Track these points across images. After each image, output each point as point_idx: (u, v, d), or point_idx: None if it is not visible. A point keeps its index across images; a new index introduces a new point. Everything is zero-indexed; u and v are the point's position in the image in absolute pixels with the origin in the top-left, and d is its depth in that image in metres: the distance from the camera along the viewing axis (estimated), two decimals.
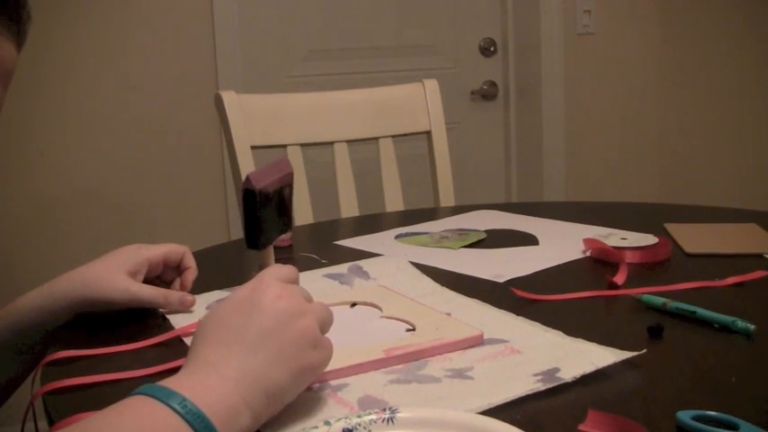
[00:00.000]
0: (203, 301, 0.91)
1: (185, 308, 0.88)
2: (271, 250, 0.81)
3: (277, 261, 1.11)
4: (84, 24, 2.26)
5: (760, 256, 1.02)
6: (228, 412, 0.55)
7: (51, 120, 2.25)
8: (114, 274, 0.86)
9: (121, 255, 0.89)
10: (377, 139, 1.63)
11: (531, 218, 1.31)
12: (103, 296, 0.85)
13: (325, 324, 0.64)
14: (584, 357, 0.69)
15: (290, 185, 0.83)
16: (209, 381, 0.56)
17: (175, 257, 0.93)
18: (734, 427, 0.57)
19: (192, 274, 0.93)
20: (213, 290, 0.94)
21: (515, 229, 1.25)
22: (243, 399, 0.56)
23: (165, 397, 0.53)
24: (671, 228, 1.18)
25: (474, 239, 1.18)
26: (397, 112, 1.66)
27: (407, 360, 0.71)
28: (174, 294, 0.89)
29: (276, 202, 0.80)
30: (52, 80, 2.24)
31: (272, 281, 0.63)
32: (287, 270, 0.66)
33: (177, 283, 0.94)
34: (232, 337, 0.59)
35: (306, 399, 0.64)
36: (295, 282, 0.67)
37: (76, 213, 2.29)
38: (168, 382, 0.55)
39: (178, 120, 2.38)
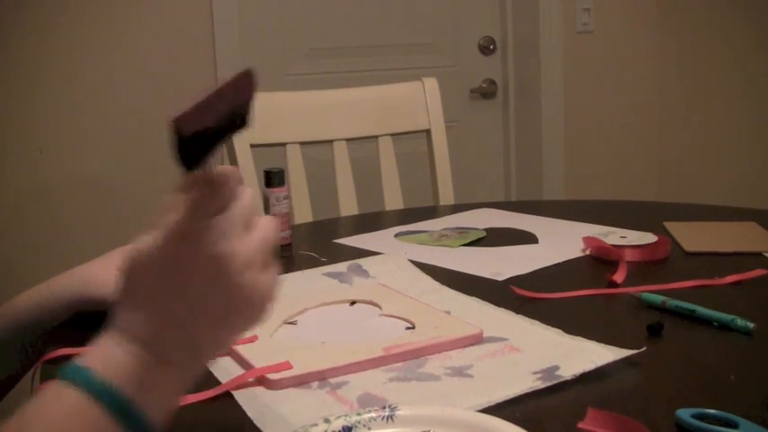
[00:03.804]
0: None
1: None
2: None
3: (277, 259, 1.11)
4: (85, 23, 2.25)
5: (759, 254, 1.02)
6: (141, 375, 0.51)
7: (51, 118, 2.25)
8: (113, 274, 0.86)
9: (120, 254, 0.89)
10: (376, 137, 1.63)
11: (531, 216, 1.31)
12: (102, 295, 0.85)
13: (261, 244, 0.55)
14: (583, 355, 0.69)
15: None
16: (113, 349, 0.53)
17: None
18: (733, 425, 0.57)
19: None
20: None
21: (515, 227, 1.25)
22: (156, 357, 0.52)
23: (70, 375, 0.51)
24: (670, 226, 1.18)
25: (473, 238, 1.18)
26: (397, 110, 1.66)
27: (407, 358, 0.71)
28: None
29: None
30: (51, 78, 2.24)
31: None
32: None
33: None
34: (144, 295, 0.54)
35: (305, 396, 0.64)
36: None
37: (75, 212, 2.29)
38: (80, 359, 0.53)
39: None
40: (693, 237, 1.12)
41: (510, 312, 0.83)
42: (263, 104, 1.56)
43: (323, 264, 1.05)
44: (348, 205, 1.59)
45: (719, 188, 2.75)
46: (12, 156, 2.23)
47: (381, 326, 0.81)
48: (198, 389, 0.66)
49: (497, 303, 0.85)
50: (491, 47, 2.80)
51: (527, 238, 1.18)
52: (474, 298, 0.88)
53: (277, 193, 1.19)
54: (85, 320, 0.87)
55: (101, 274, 0.86)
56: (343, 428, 0.56)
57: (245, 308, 0.54)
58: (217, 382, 0.68)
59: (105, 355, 0.53)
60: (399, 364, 0.70)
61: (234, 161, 1.51)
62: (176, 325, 0.53)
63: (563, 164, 2.83)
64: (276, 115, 1.56)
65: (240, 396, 0.65)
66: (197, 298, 0.53)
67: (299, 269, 1.01)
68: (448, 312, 0.83)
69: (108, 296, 0.85)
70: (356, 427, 0.56)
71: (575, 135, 2.84)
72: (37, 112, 2.24)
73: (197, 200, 0.55)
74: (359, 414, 0.57)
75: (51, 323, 0.86)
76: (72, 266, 0.88)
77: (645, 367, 0.68)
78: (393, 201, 1.63)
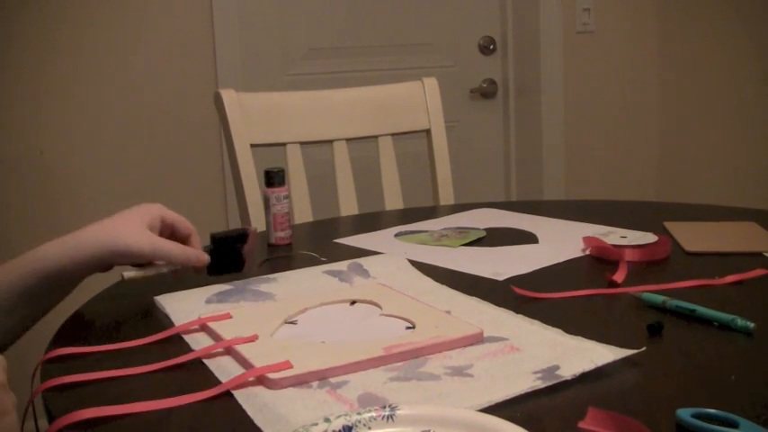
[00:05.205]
0: (202, 295, 0.91)
1: (201, 265, 0.93)
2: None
3: (277, 259, 1.11)
4: (85, 24, 2.25)
5: (759, 254, 1.02)
6: None
7: (51, 118, 2.25)
8: (137, 227, 0.89)
9: (140, 210, 0.92)
10: (376, 137, 1.63)
11: (531, 216, 1.31)
12: (129, 247, 0.88)
13: None
14: (583, 355, 0.69)
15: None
16: None
17: (184, 231, 0.96)
18: (733, 424, 0.57)
19: (196, 244, 0.96)
20: (212, 285, 0.95)
21: (515, 227, 1.25)
22: None
23: None
24: (670, 226, 1.18)
25: (474, 238, 1.18)
26: (397, 110, 1.66)
27: (407, 358, 0.71)
28: (191, 251, 0.92)
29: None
30: (52, 79, 2.24)
31: None
32: None
33: None
34: None
35: (305, 396, 0.64)
36: None
37: (76, 212, 2.29)
38: None
39: (178, 118, 2.38)
40: (694, 237, 1.12)
41: (510, 312, 0.83)
42: (264, 104, 1.56)
43: (323, 263, 1.05)
44: (348, 205, 1.59)
45: (719, 188, 2.75)
46: (13, 156, 2.23)
47: (381, 325, 0.81)
48: (198, 389, 0.66)
49: (497, 303, 0.85)
50: (491, 47, 2.80)
51: (527, 238, 1.18)
52: (474, 298, 0.88)
53: (277, 193, 1.19)
54: (87, 319, 0.87)
55: (124, 229, 0.89)
56: (344, 428, 0.56)
57: None
58: (217, 382, 0.68)
59: None
60: (399, 364, 0.70)
61: (234, 161, 1.51)
62: None
63: (563, 164, 2.83)
64: (276, 115, 1.56)
65: (240, 396, 0.65)
66: None
67: (299, 268, 1.01)
68: (448, 312, 0.83)
69: (134, 248, 0.88)
70: (356, 426, 0.56)
71: (575, 135, 2.84)
72: (38, 113, 2.24)
73: None
74: (359, 414, 0.57)
75: (74, 275, 0.88)
76: None
77: (645, 367, 0.68)
78: (393, 201, 1.63)
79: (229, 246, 0.99)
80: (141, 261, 0.91)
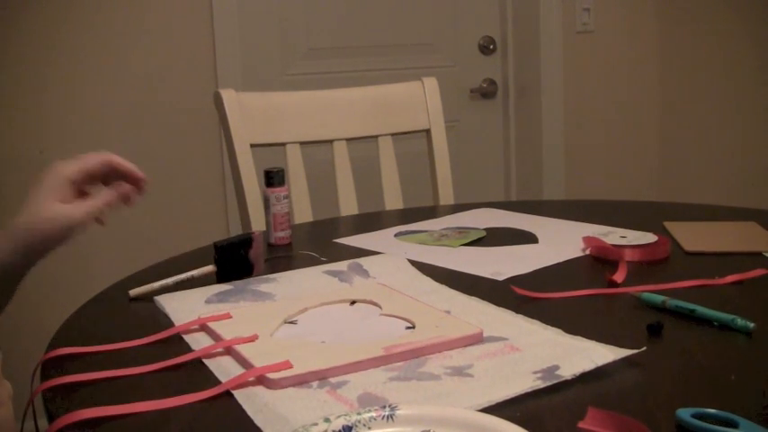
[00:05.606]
0: (202, 295, 0.91)
1: (110, 206, 0.90)
2: None
3: (277, 259, 1.11)
4: (85, 24, 2.25)
5: (759, 254, 1.02)
6: None
7: (51, 117, 2.25)
8: (47, 209, 0.87)
9: (45, 186, 0.88)
10: (376, 137, 1.63)
11: (531, 216, 1.31)
12: (47, 236, 0.87)
13: None
14: (583, 355, 0.69)
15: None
16: None
17: (102, 168, 0.91)
18: (733, 424, 0.57)
19: (120, 162, 0.92)
20: (212, 285, 0.95)
21: (515, 227, 1.25)
22: None
23: None
24: (670, 226, 1.18)
25: (474, 237, 1.18)
26: (397, 110, 1.66)
27: (407, 358, 0.71)
28: (95, 204, 0.89)
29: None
30: (52, 78, 2.24)
31: None
32: None
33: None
34: None
35: (305, 396, 0.64)
36: None
37: None
38: None
39: (177, 118, 2.38)
40: (693, 237, 1.12)
41: (510, 312, 0.83)
42: (263, 104, 1.56)
43: (323, 263, 1.05)
44: (348, 205, 1.59)
45: (719, 188, 2.75)
46: (12, 156, 2.23)
47: (381, 325, 0.81)
48: (198, 389, 0.66)
49: (497, 303, 0.86)
50: (491, 47, 2.80)
51: (527, 238, 1.18)
52: (474, 298, 0.88)
53: (277, 192, 1.19)
54: (86, 319, 0.87)
55: (38, 217, 0.87)
56: (344, 428, 0.56)
57: None
58: (217, 382, 0.68)
59: None
60: (399, 364, 0.70)
61: (234, 161, 1.51)
62: None
63: (563, 164, 2.83)
64: (276, 115, 1.56)
65: (240, 396, 0.65)
66: None
67: (299, 268, 1.01)
68: (448, 312, 0.83)
69: (72, 226, 0.87)
70: (356, 426, 0.56)
71: (574, 135, 2.84)
72: (38, 112, 2.24)
73: None
74: (359, 413, 0.57)
75: (21, 275, 0.88)
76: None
77: (645, 367, 0.68)
78: (393, 201, 1.63)
79: (235, 252, 1.00)
80: (82, 233, 0.89)
